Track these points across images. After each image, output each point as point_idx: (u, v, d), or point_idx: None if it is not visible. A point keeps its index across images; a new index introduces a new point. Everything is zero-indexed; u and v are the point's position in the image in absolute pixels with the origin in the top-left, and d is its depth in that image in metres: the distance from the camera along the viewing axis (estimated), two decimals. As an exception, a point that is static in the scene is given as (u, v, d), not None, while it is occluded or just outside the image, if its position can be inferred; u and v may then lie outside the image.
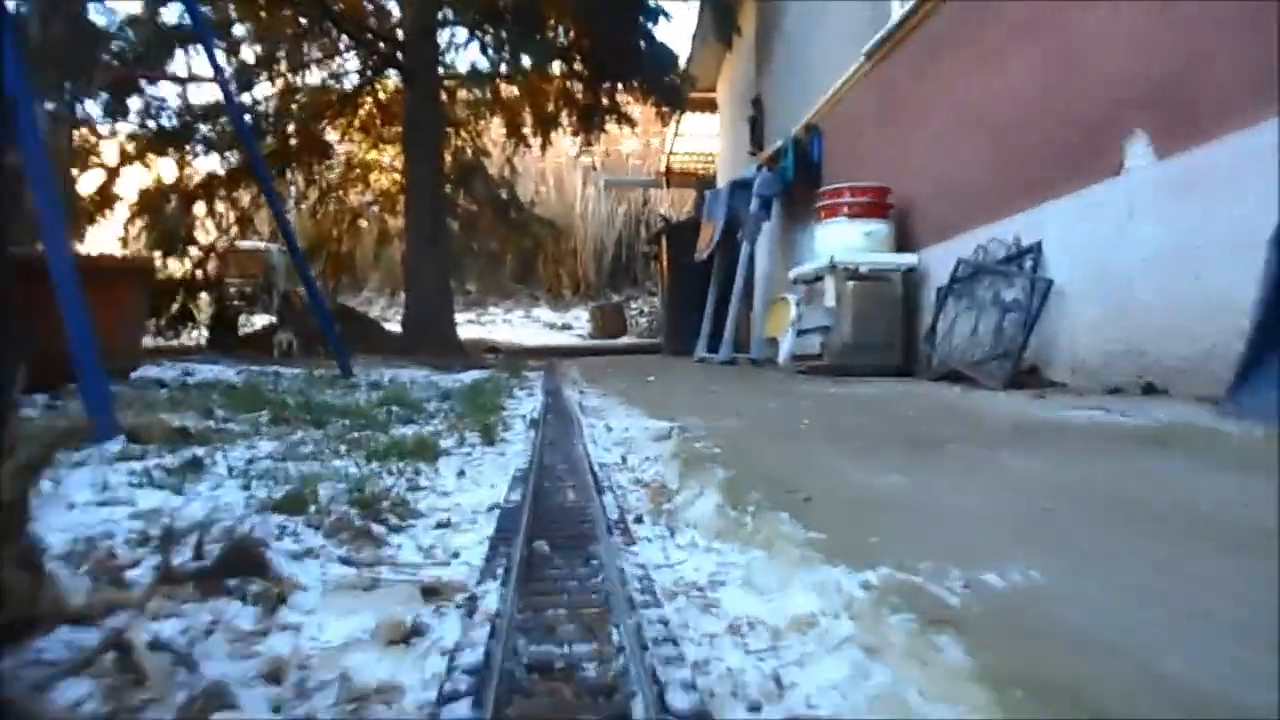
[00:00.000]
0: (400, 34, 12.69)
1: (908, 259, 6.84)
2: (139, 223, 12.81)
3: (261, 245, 16.56)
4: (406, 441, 2.93)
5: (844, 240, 7.01)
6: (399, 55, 12.56)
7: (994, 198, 6.04)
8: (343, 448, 2.90)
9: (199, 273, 13.28)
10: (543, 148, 14.31)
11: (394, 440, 2.97)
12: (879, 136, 7.85)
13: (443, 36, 13.72)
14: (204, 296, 13.88)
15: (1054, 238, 5.39)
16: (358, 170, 15.03)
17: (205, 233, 13.70)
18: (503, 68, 13.51)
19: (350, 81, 13.73)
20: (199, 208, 13.59)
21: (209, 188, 13.67)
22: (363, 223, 15.68)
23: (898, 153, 7.45)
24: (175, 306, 13.16)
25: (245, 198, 14.01)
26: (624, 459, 2.77)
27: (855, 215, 7.07)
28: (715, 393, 5.25)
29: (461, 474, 2.48)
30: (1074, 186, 5.21)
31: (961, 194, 6.46)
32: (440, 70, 12.79)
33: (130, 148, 12.62)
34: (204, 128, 13.47)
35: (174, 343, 13.05)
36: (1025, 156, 5.73)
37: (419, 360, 9.57)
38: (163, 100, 12.73)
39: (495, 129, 14.99)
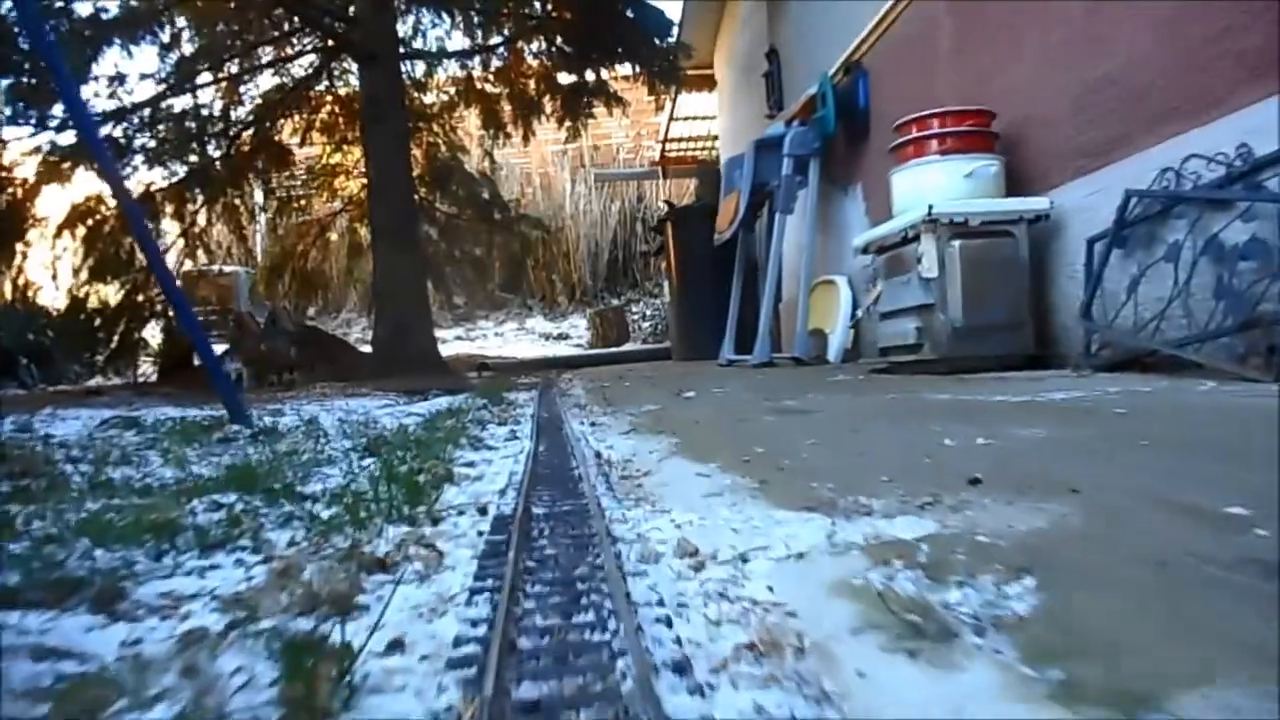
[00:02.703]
0: (353, 10, 10.44)
1: (1037, 204, 4.60)
2: (67, 242, 10.55)
3: (229, 269, 14.37)
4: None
5: (937, 186, 4.78)
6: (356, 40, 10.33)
7: (1186, 95, 3.82)
8: None
9: (141, 298, 11.00)
10: (524, 138, 12.06)
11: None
12: (961, 55, 5.62)
13: (407, 23, 11.57)
14: (153, 325, 11.67)
15: (1335, 132, 3.17)
16: (322, 177, 12.76)
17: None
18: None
19: (304, 70, 11.48)
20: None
21: (150, 202, 11.38)
22: (333, 235, 13.41)
23: (994, 69, 5.22)
24: (117, 339, 10.89)
25: (197, 214, 11.74)
26: None
27: (951, 151, 4.84)
28: (819, 417, 3.00)
29: None
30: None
31: (1119, 100, 4.23)
32: (403, 50, 10.57)
33: (53, 159, 10.37)
34: (142, 138, 11.22)
35: (116, 380, 10.82)
36: (1252, 17, 3.51)
37: (385, 386, 7.33)
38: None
39: (471, 122, 12.74)
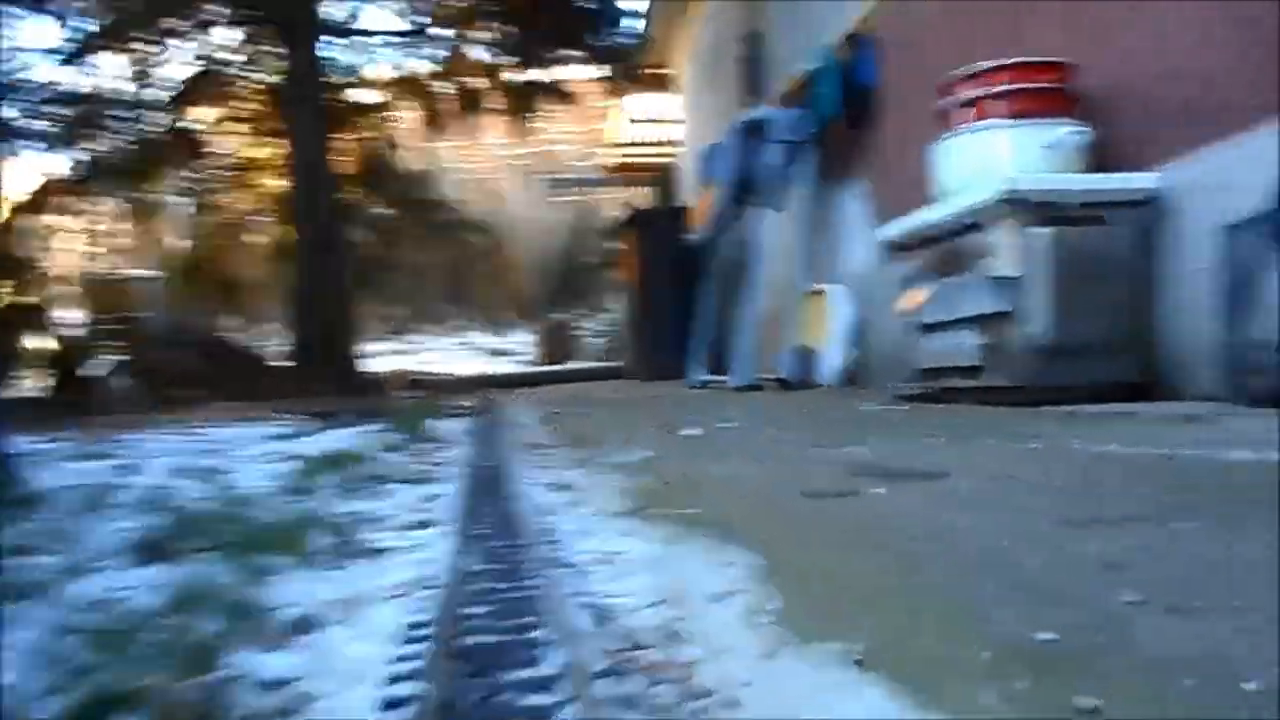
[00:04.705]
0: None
1: (1145, 181, 3.34)
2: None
3: (135, 273, 12.63)
4: None
5: (1003, 159, 3.51)
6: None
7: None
8: None
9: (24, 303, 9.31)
10: (468, 137, 10.69)
11: None
12: (1016, 6, 4.36)
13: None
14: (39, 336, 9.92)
15: None
16: (243, 173, 11.19)
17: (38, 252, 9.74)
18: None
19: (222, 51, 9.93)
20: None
21: (45, 195, 9.75)
22: (255, 238, 11.82)
23: (1065, 16, 3.96)
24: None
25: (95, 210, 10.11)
26: None
27: (1024, 113, 3.56)
28: (970, 490, 1.65)
29: None
30: None
31: (1264, 48, 3.00)
32: (328, 26, 9.12)
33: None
34: (39, 122, 9.63)
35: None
36: None
37: (293, 407, 5.85)
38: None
39: (411, 119, 11.27)
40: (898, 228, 4.06)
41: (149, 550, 1.56)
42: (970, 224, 3.50)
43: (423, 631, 0.97)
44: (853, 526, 1.35)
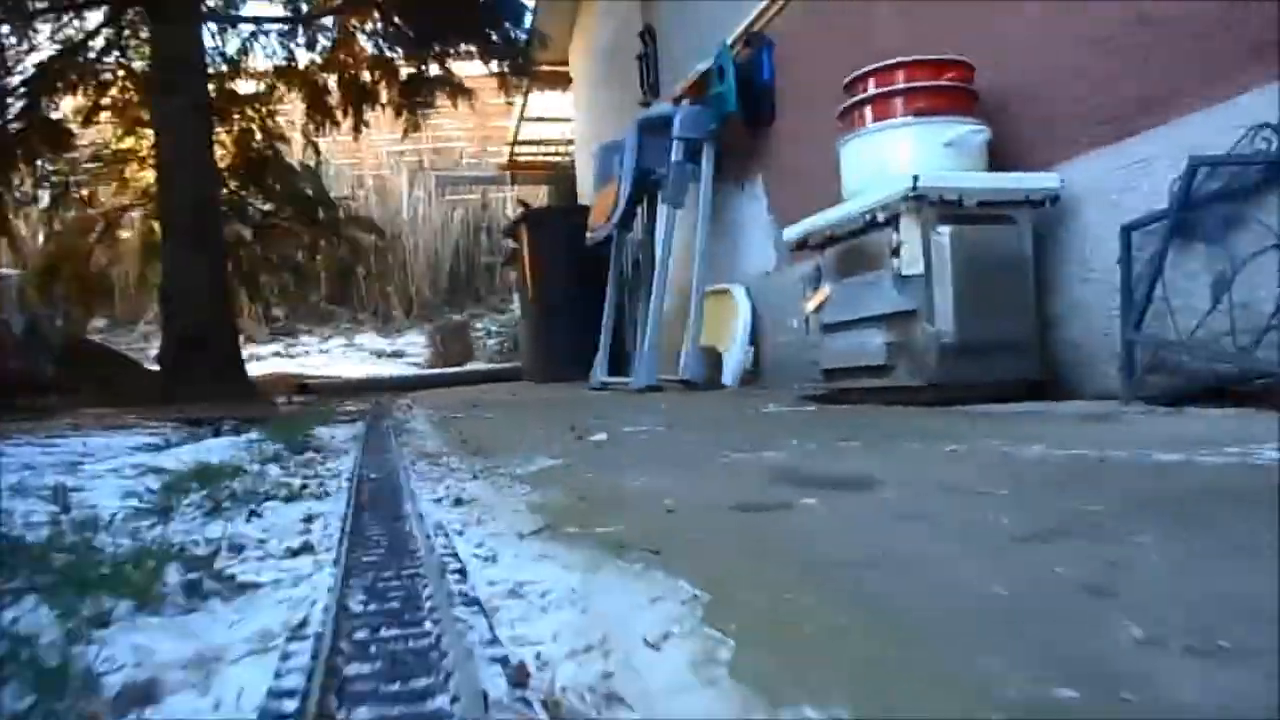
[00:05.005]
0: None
1: (1044, 181, 3.34)
2: None
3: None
4: None
5: (906, 158, 3.45)
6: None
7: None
8: None
9: None
10: (355, 129, 10.21)
11: None
12: (912, 7, 4.34)
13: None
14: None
15: None
16: (110, 165, 10.42)
17: None
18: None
19: (89, 33, 9.21)
20: None
21: None
22: (124, 233, 11.06)
23: (964, 18, 3.96)
24: None
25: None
26: None
27: (926, 111, 3.51)
28: (906, 498, 1.53)
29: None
30: None
31: (1165, 45, 3.03)
32: (206, 8, 8.57)
33: None
34: None
35: None
36: None
37: (164, 414, 5.43)
38: None
39: (295, 110, 10.72)
40: (800, 227, 3.97)
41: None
42: (873, 222, 3.44)
43: (290, 703, 0.77)
44: (794, 547, 1.21)
